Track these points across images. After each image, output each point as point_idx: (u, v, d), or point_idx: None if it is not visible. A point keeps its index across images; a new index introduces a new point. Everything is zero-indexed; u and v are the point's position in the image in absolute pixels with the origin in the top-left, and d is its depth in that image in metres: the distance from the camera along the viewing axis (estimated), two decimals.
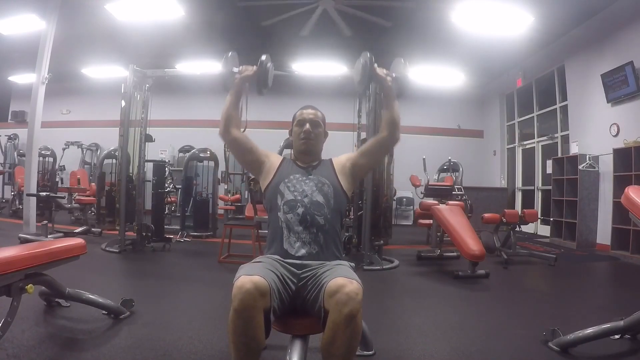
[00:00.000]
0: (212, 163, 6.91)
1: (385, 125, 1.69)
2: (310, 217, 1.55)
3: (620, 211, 4.89)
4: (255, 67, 1.71)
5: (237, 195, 8.28)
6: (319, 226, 1.55)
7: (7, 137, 9.71)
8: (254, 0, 5.75)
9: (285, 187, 1.62)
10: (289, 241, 1.54)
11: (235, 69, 1.73)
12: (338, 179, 1.67)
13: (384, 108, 1.72)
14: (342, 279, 1.28)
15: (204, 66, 7.40)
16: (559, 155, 6.95)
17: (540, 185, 7.80)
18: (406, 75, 1.71)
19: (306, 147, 1.71)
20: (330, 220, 1.58)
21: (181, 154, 9.25)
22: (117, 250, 4.52)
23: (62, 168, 9.11)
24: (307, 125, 1.70)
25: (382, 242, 4.56)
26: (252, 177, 5.06)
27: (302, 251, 1.52)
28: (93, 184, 7.39)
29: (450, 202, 4.94)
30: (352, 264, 1.58)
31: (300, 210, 1.56)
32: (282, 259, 1.50)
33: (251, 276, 1.28)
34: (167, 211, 6.57)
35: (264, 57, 1.71)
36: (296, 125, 1.74)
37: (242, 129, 1.77)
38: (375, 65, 1.65)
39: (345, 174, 1.70)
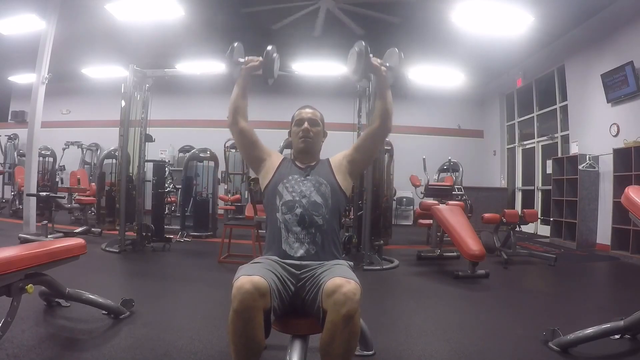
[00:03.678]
0: (212, 163, 6.91)
1: (378, 115, 1.68)
2: (308, 218, 1.55)
3: (620, 211, 4.89)
4: (261, 58, 1.72)
5: (237, 195, 8.28)
6: (317, 226, 1.55)
7: (7, 137, 9.71)
8: (257, 6, 5.76)
9: (284, 188, 1.62)
10: (287, 242, 1.54)
11: (241, 60, 1.74)
12: (336, 179, 1.67)
13: (377, 98, 1.71)
14: (339, 279, 1.28)
15: (204, 66, 7.40)
16: (559, 155, 6.95)
17: (540, 185, 7.80)
18: (400, 65, 1.71)
19: (305, 145, 1.71)
20: (328, 220, 1.58)
21: (181, 154, 9.24)
22: (117, 250, 4.52)
23: (62, 168, 9.11)
24: (306, 124, 1.71)
25: (382, 242, 4.57)
26: (252, 177, 5.07)
27: (301, 252, 1.52)
28: (93, 184, 7.39)
29: (450, 202, 4.94)
30: (351, 263, 1.58)
31: (298, 210, 1.56)
32: (281, 260, 1.50)
33: (251, 276, 1.27)
34: (167, 211, 6.57)
35: (269, 47, 1.72)
36: (295, 124, 1.75)
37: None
38: (370, 55, 1.64)
39: (343, 172, 1.70)
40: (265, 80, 1.76)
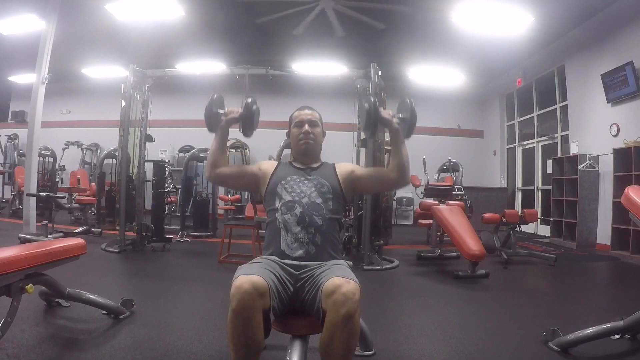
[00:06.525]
0: None
1: (395, 168, 1.63)
2: (308, 218, 1.55)
3: (620, 211, 4.88)
4: (240, 110, 1.68)
5: (237, 195, 8.28)
6: (317, 226, 1.55)
7: (7, 137, 9.71)
8: (268, 15, 5.76)
9: (283, 189, 1.62)
10: (286, 242, 1.54)
11: (221, 111, 1.69)
12: (339, 182, 1.67)
13: (392, 152, 1.66)
14: (338, 279, 1.28)
15: (204, 66, 7.38)
16: (559, 155, 6.94)
17: (540, 185, 7.80)
18: (414, 115, 1.60)
19: (306, 147, 1.71)
20: (328, 220, 1.58)
21: (181, 154, 9.25)
22: (117, 250, 4.52)
23: (62, 168, 9.12)
24: (306, 126, 1.70)
25: (382, 242, 4.56)
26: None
27: (300, 252, 1.51)
28: (93, 184, 7.39)
29: (450, 202, 4.94)
30: (350, 263, 1.58)
31: (298, 210, 1.56)
32: (279, 260, 1.50)
33: (249, 276, 1.27)
34: (167, 211, 6.57)
35: (249, 100, 1.67)
36: (294, 126, 1.73)
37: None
38: (381, 108, 1.60)
39: (347, 182, 1.69)
40: (245, 133, 1.70)
